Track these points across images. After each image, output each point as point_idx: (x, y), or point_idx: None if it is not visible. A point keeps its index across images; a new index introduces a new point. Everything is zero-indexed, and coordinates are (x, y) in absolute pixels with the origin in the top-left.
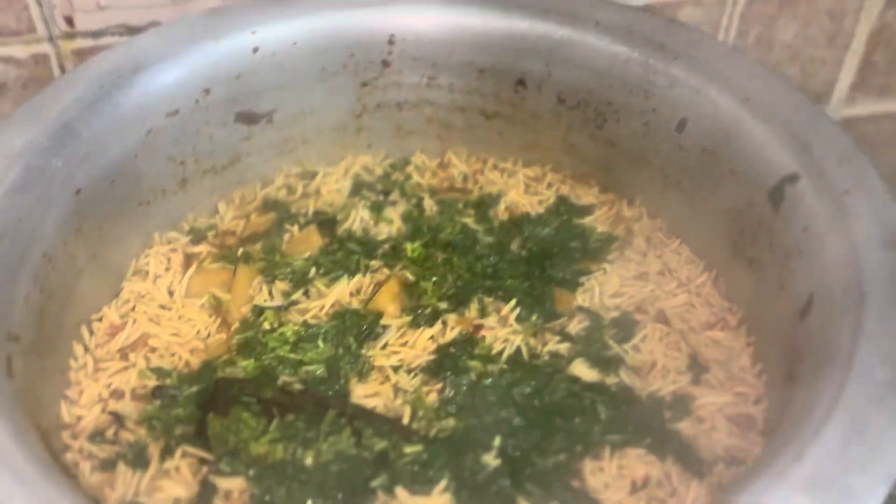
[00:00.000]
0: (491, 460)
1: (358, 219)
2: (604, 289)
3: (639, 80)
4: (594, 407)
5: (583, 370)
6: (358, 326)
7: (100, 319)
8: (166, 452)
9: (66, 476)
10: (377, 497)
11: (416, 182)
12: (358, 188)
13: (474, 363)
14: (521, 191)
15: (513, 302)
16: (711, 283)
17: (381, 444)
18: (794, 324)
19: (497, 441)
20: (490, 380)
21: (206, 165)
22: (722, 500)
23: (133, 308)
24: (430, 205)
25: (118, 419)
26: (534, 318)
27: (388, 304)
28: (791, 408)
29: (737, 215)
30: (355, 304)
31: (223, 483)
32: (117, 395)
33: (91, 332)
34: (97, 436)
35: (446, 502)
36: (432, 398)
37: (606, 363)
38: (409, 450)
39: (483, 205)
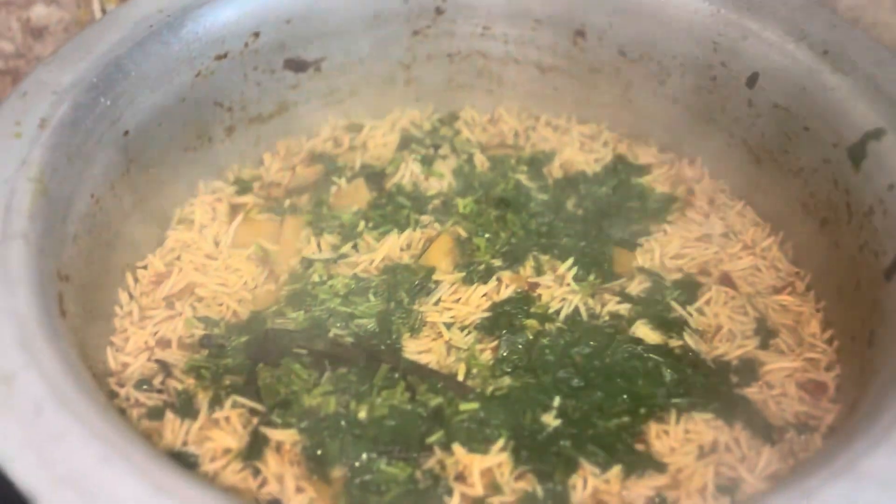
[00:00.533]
0: (551, 420)
1: (408, 173)
2: (665, 250)
3: (708, 32)
4: (658, 369)
5: (645, 332)
6: (409, 281)
7: (145, 267)
8: (215, 402)
9: (120, 416)
10: (434, 453)
11: (466, 137)
12: (406, 142)
13: (530, 322)
14: (576, 148)
15: (570, 261)
16: (778, 246)
17: (435, 400)
18: (876, 285)
19: (557, 401)
20: (547, 339)
21: (253, 113)
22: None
23: (178, 257)
24: (481, 160)
25: (165, 368)
26: (591, 277)
27: (441, 259)
28: (871, 374)
29: (809, 175)
30: (406, 259)
31: (275, 434)
32: (163, 343)
33: (136, 280)
34: (144, 384)
35: (504, 461)
36: (487, 356)
37: (669, 325)
38: (465, 407)
39: (536, 162)
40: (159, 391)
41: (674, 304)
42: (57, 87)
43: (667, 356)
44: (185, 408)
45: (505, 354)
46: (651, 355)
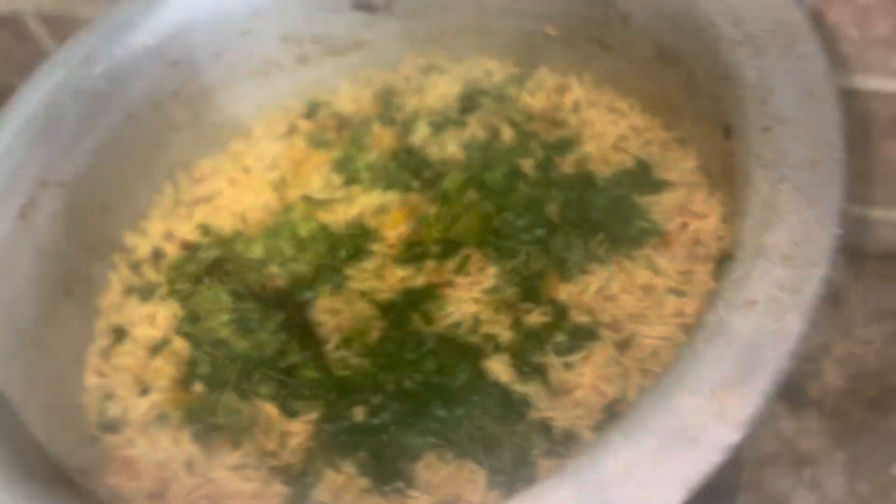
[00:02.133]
0: (361, 415)
1: (420, 134)
2: (598, 290)
3: None
4: (491, 405)
5: (498, 368)
6: (355, 244)
7: (192, 168)
8: (164, 296)
9: None
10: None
11: (525, 101)
12: (468, 95)
13: (416, 319)
14: (608, 144)
15: (491, 270)
16: None
17: (292, 358)
18: None
19: (377, 399)
20: (424, 340)
21: (326, 47)
22: None
23: (218, 168)
24: (509, 134)
25: (159, 255)
26: (510, 291)
27: (389, 230)
28: None
29: None
30: (370, 221)
31: (175, 342)
32: (169, 236)
33: (175, 184)
34: (139, 264)
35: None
36: (374, 335)
37: (526, 369)
38: (307, 373)
39: (557, 148)
40: (140, 276)
41: (549, 353)
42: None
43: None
44: (145, 293)
45: (378, 340)
46: (489, 389)
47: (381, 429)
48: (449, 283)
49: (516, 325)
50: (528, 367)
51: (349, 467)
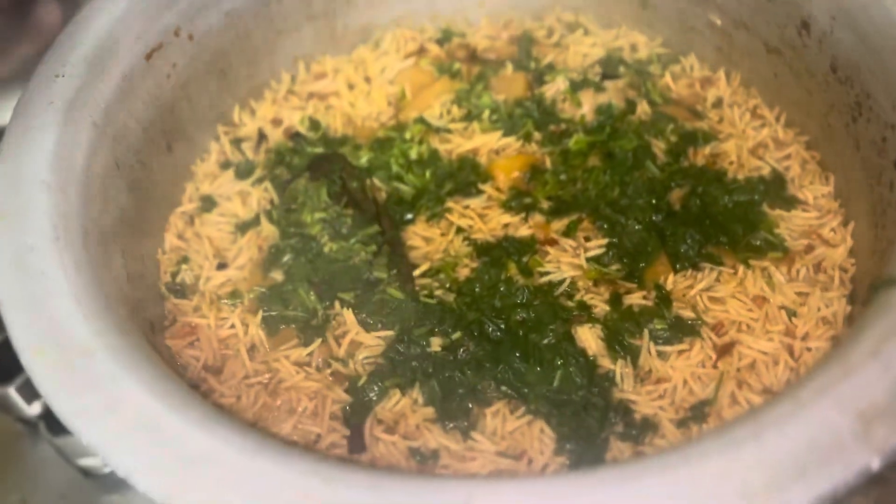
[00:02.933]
0: (436, 345)
1: (554, 88)
2: (703, 290)
3: None
4: (570, 371)
5: (588, 338)
6: (463, 178)
7: (312, 62)
8: (261, 179)
9: None
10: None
11: (661, 84)
12: (609, 62)
13: (512, 268)
14: (746, 147)
15: (603, 241)
16: None
17: (380, 273)
18: None
19: (455, 336)
20: (516, 291)
21: None
22: None
23: (339, 70)
24: (643, 110)
25: (263, 138)
26: (613, 268)
27: (502, 174)
28: None
29: None
30: (482, 160)
31: (265, 224)
32: (277, 122)
33: (294, 73)
34: (241, 141)
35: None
36: (464, 273)
37: (619, 343)
38: (392, 292)
39: (692, 138)
40: (242, 153)
41: (644, 338)
42: None
43: (585, 366)
44: (243, 171)
45: (472, 277)
46: (576, 357)
47: (457, 365)
48: (553, 242)
49: (615, 301)
50: (619, 345)
51: (416, 394)
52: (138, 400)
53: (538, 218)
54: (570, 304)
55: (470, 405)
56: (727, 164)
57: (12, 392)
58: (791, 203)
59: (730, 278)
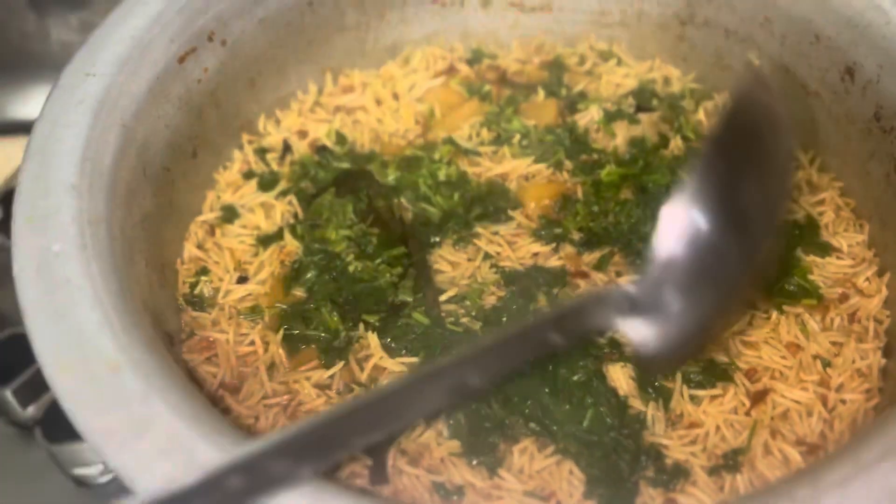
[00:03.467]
0: None
1: (588, 117)
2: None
3: None
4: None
5: (618, 377)
6: (492, 203)
7: (341, 75)
8: (284, 193)
9: None
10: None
11: (694, 120)
12: (642, 94)
13: (542, 299)
14: None
15: (633, 277)
16: None
17: (404, 296)
18: None
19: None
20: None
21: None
22: None
23: (367, 85)
24: (676, 145)
25: (287, 149)
26: None
27: (532, 202)
28: None
29: None
30: (512, 185)
31: (289, 240)
32: (302, 134)
33: (321, 85)
34: (265, 152)
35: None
36: (490, 301)
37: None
38: (417, 316)
39: None
40: (266, 163)
41: (677, 380)
42: None
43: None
44: (266, 183)
45: (499, 306)
46: (607, 396)
47: (483, 398)
48: (585, 276)
49: None
50: (650, 387)
51: (441, 425)
52: (168, 422)
53: (569, 249)
54: (602, 340)
55: (497, 440)
56: None
57: (8, 395)
58: (825, 250)
59: (763, 323)
